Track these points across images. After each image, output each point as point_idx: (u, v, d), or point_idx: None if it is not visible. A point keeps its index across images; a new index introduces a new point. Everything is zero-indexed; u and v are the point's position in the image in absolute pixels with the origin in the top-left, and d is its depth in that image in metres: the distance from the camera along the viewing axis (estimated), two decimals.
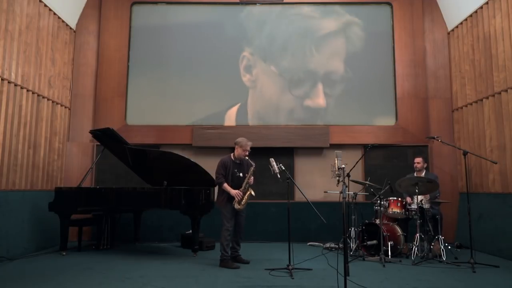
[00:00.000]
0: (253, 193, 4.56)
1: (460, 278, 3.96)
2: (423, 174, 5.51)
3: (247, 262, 4.62)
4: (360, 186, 5.92)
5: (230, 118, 6.73)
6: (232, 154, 4.70)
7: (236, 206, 4.49)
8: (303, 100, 6.76)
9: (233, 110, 6.74)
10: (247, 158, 4.63)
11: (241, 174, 4.65)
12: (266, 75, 6.83)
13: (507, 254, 5.01)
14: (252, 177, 4.59)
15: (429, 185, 4.88)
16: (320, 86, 6.76)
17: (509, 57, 5.25)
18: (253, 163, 4.58)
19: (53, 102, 6.15)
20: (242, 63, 6.86)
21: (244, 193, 4.52)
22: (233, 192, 4.49)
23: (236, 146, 4.65)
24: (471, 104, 6.15)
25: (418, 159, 5.59)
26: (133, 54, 6.90)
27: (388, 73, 6.83)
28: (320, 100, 6.75)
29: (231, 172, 4.60)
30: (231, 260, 4.55)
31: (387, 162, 6.61)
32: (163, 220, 6.35)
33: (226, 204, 4.53)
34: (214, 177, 4.75)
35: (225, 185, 4.53)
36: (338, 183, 4.57)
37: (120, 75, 6.81)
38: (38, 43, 5.77)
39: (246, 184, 4.54)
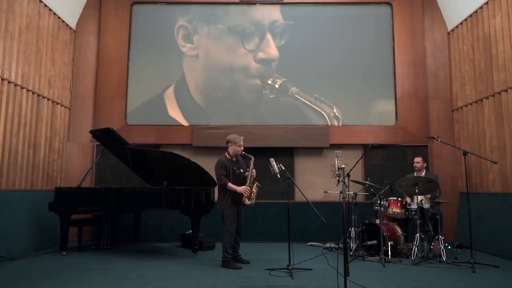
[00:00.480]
0: (259, 184, 4.55)
1: (460, 278, 3.97)
2: (423, 174, 5.51)
3: (247, 262, 4.62)
4: (360, 186, 5.92)
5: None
6: (226, 153, 4.66)
7: (247, 202, 4.45)
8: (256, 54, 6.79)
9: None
10: (243, 153, 4.62)
11: (241, 170, 4.65)
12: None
13: (507, 254, 5.01)
14: (254, 170, 4.55)
15: (429, 185, 4.88)
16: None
17: (509, 57, 5.25)
18: (251, 156, 4.55)
19: (53, 102, 6.15)
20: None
21: (251, 187, 4.50)
22: (240, 189, 4.43)
23: (229, 144, 4.63)
24: (471, 104, 6.15)
25: (417, 159, 5.59)
26: (133, 54, 6.90)
27: (388, 73, 6.83)
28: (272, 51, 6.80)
29: (231, 170, 4.57)
30: (232, 260, 4.54)
31: (387, 162, 6.61)
32: (163, 220, 6.35)
33: (230, 206, 4.48)
34: (214, 177, 4.73)
35: (230, 184, 4.46)
36: (338, 183, 4.57)
37: (120, 75, 6.81)
38: (38, 43, 5.77)
39: (250, 178, 4.51)
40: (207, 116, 6.74)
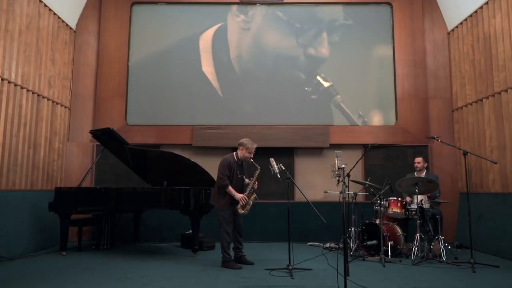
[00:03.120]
0: (256, 197, 4.51)
1: (460, 278, 3.96)
2: (423, 174, 5.51)
3: (252, 263, 4.56)
4: (360, 186, 5.92)
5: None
6: (234, 154, 4.60)
7: (240, 211, 4.42)
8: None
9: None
10: (251, 161, 4.54)
11: (244, 176, 4.63)
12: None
13: (507, 254, 5.00)
14: (257, 182, 4.49)
15: (429, 185, 4.88)
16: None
17: (509, 57, 5.25)
18: (258, 167, 4.46)
19: (53, 102, 6.15)
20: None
21: (249, 198, 4.46)
22: (238, 196, 4.39)
23: (241, 147, 4.53)
24: (471, 104, 6.15)
25: (418, 159, 5.59)
26: (133, 54, 6.90)
27: (388, 73, 6.83)
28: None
29: (234, 173, 4.52)
30: (236, 261, 4.53)
31: (387, 162, 6.61)
32: (163, 220, 6.35)
33: (228, 208, 4.46)
34: (214, 177, 4.72)
35: (230, 188, 4.41)
36: (338, 183, 4.56)
37: (120, 75, 6.81)
38: (38, 43, 5.77)
39: (251, 188, 4.47)
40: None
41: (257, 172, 4.47)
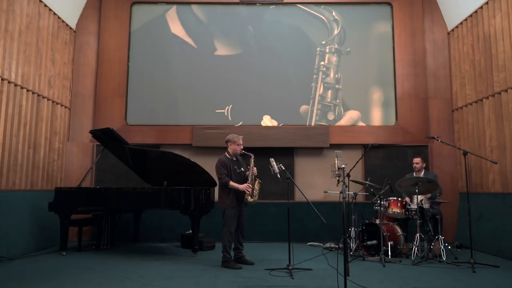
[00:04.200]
0: (260, 181, 4.56)
1: (460, 278, 3.96)
2: (422, 174, 5.51)
3: (252, 263, 4.57)
4: (360, 186, 5.92)
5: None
6: (226, 153, 4.67)
7: (250, 199, 4.46)
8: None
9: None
10: (243, 151, 4.63)
11: (242, 169, 4.66)
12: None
13: (507, 254, 5.00)
14: (254, 168, 4.54)
15: (429, 185, 4.88)
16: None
17: (509, 57, 5.25)
18: (251, 154, 4.55)
19: (53, 102, 6.15)
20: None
21: (253, 185, 4.50)
22: (242, 186, 4.43)
23: (229, 144, 4.65)
24: (471, 104, 6.15)
25: (416, 160, 5.59)
26: (133, 54, 6.90)
27: (388, 73, 6.83)
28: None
29: (232, 169, 4.57)
30: (236, 261, 4.53)
31: (387, 162, 6.61)
32: (163, 220, 6.35)
33: (234, 206, 4.48)
34: (214, 177, 4.72)
35: (232, 182, 4.46)
36: (338, 183, 4.56)
37: (120, 75, 6.81)
38: (38, 43, 5.77)
39: (251, 175, 4.51)
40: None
41: (252, 159, 4.54)
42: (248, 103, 6.78)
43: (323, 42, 6.88)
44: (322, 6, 6.93)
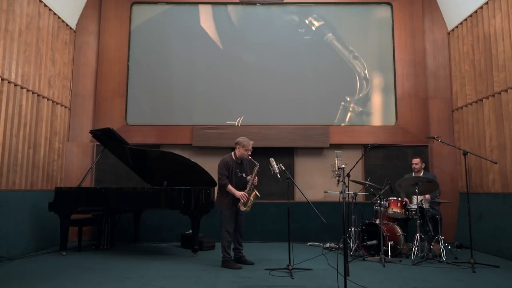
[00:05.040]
0: (258, 194, 4.52)
1: (460, 278, 3.96)
2: (421, 174, 5.50)
3: (252, 263, 4.57)
4: (360, 186, 5.92)
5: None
6: (233, 154, 4.63)
7: (242, 208, 4.43)
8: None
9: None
10: (249, 158, 4.59)
11: (243, 175, 4.63)
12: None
13: (507, 254, 5.00)
14: (256, 178, 4.51)
15: (429, 185, 4.88)
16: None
17: (509, 57, 5.25)
18: (257, 163, 4.50)
19: (53, 102, 6.15)
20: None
21: (250, 195, 4.47)
22: (239, 194, 4.41)
23: (238, 146, 4.57)
24: (471, 104, 6.15)
25: (416, 160, 5.59)
26: (133, 54, 6.90)
27: (388, 73, 6.83)
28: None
29: (234, 172, 4.55)
30: (236, 261, 4.53)
31: (387, 162, 6.61)
32: (163, 220, 6.35)
33: (230, 207, 4.48)
34: (214, 177, 4.72)
35: (230, 186, 4.45)
36: (338, 183, 4.56)
37: (120, 75, 6.81)
38: (38, 43, 5.77)
39: (251, 185, 4.48)
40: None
41: (256, 168, 4.50)
42: (248, 102, 6.77)
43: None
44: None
